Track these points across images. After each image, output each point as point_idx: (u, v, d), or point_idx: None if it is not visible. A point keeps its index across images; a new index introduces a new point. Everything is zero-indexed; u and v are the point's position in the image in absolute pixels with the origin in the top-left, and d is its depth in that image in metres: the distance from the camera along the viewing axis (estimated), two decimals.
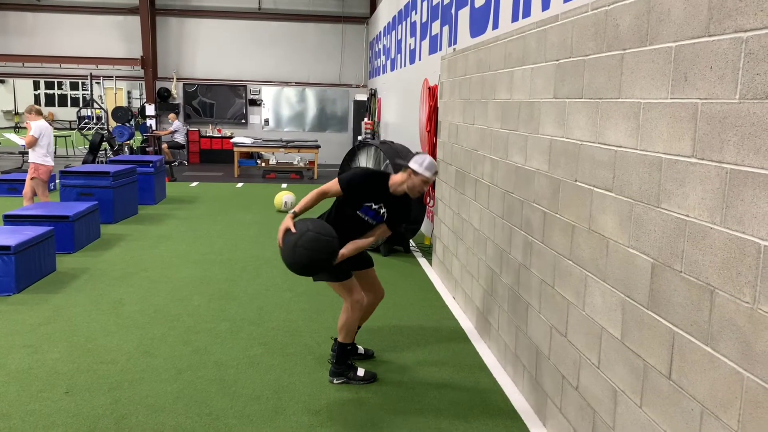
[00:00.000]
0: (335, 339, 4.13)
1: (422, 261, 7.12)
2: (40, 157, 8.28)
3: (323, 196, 3.73)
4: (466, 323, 5.10)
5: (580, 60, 3.00)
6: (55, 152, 17.10)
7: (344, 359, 3.95)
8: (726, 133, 1.96)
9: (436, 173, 3.76)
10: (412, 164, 3.73)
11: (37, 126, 8.29)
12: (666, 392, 2.27)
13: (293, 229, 3.53)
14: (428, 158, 3.73)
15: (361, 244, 3.81)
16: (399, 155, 7.31)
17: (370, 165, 7.68)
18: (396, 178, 3.83)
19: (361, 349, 4.34)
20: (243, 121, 17.77)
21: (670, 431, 2.24)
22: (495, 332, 4.40)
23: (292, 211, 3.68)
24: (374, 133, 14.97)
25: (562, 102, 3.21)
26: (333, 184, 3.76)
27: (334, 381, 3.94)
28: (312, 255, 3.48)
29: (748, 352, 1.86)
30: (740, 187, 1.90)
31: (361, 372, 3.97)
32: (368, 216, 3.84)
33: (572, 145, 3.08)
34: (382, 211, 3.85)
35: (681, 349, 2.18)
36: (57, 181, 11.91)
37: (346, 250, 3.74)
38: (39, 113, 8.46)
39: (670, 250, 2.25)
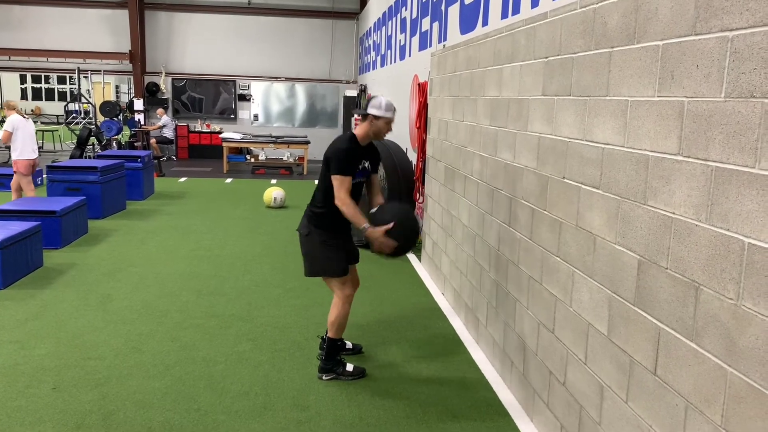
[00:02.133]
0: (322, 337, 4.15)
1: (411, 257, 7.13)
2: (16, 152, 8.19)
3: (348, 194, 3.71)
4: (455, 319, 5.12)
5: (569, 57, 3.01)
6: (41, 146, 17.01)
7: (334, 355, 3.96)
8: (711, 132, 1.98)
9: (395, 110, 3.86)
10: (372, 110, 3.81)
11: (10, 121, 8.21)
12: (651, 387, 2.30)
13: (384, 228, 3.62)
14: (384, 99, 3.83)
15: (380, 200, 4.03)
16: (389, 151, 7.32)
17: None
18: (360, 131, 3.89)
19: (349, 344, 4.34)
20: (232, 116, 17.70)
21: (655, 426, 2.27)
22: (483, 328, 4.42)
23: (365, 225, 3.65)
24: None
25: (551, 99, 3.22)
26: (343, 181, 3.70)
27: (323, 377, 3.94)
28: (415, 225, 3.75)
29: (731, 348, 1.89)
30: (725, 185, 1.92)
31: (350, 368, 3.98)
32: (360, 177, 3.92)
33: (560, 142, 3.10)
34: (366, 165, 3.94)
35: (666, 344, 2.21)
36: (44, 176, 11.82)
37: (377, 233, 3.68)
38: (11, 107, 8.37)
39: (656, 247, 2.27)
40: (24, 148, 8.23)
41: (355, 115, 3.61)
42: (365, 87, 15.72)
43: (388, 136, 10.53)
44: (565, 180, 3.04)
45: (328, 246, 3.87)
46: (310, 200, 4.00)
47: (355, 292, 4.25)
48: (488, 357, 4.32)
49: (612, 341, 2.58)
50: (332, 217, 3.81)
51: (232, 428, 3.34)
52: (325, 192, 3.85)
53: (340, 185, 3.71)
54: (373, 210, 3.84)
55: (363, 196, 4.08)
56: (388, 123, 3.85)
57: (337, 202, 3.71)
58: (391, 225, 3.61)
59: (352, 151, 3.81)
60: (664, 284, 2.22)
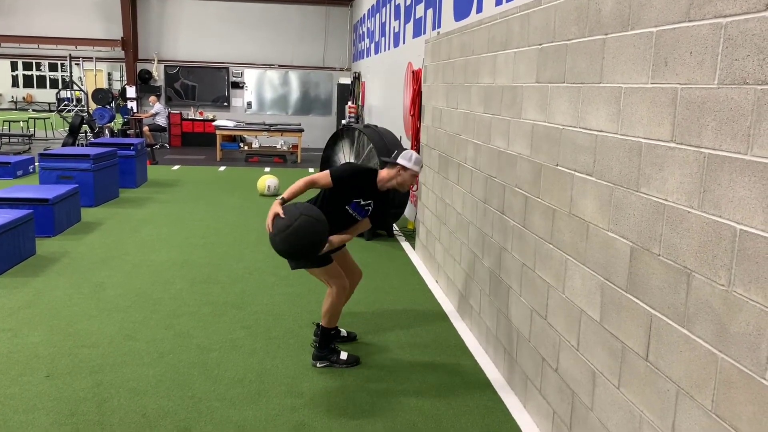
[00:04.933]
0: (318, 324, 4.15)
1: (405, 245, 7.14)
2: None
3: (312, 185, 3.71)
4: (448, 306, 5.14)
5: (563, 44, 3.01)
6: (33, 134, 16.91)
7: (328, 343, 3.97)
8: (704, 118, 1.98)
9: (422, 166, 3.89)
10: (402, 161, 3.80)
11: None
12: (643, 373, 2.31)
13: (282, 215, 3.51)
14: (415, 153, 3.83)
15: (346, 237, 3.87)
16: (383, 139, 7.30)
17: (354, 149, 7.67)
18: (384, 174, 3.86)
19: (343, 331, 4.35)
20: (225, 104, 17.61)
21: (647, 411, 2.29)
22: (476, 315, 4.44)
23: (281, 197, 3.64)
24: (358, 117, 14.92)
25: (545, 87, 3.22)
26: (324, 176, 3.74)
27: (317, 364, 3.95)
28: (304, 240, 3.46)
29: (722, 334, 1.90)
30: (717, 172, 1.92)
31: (344, 355, 3.99)
32: (355, 211, 3.89)
33: (554, 129, 3.10)
34: (368, 207, 3.91)
35: (658, 331, 2.22)
36: (36, 163, 11.76)
37: (336, 239, 3.77)
38: None
39: (649, 233, 2.28)
40: None
41: (384, 165, 3.62)
42: (359, 74, 15.66)
43: (382, 124, 10.52)
44: (559, 167, 3.04)
45: None
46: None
47: (357, 283, 4.26)
48: (481, 343, 4.34)
49: (604, 328, 2.60)
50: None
51: (226, 415, 3.35)
52: (323, 198, 3.89)
53: (320, 177, 3.74)
54: (297, 202, 3.70)
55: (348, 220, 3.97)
56: (414, 177, 3.86)
57: (301, 178, 3.71)
58: (282, 214, 3.47)
59: (362, 178, 3.81)
60: (656, 271, 2.23)
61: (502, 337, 3.90)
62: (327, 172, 3.76)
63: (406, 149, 3.92)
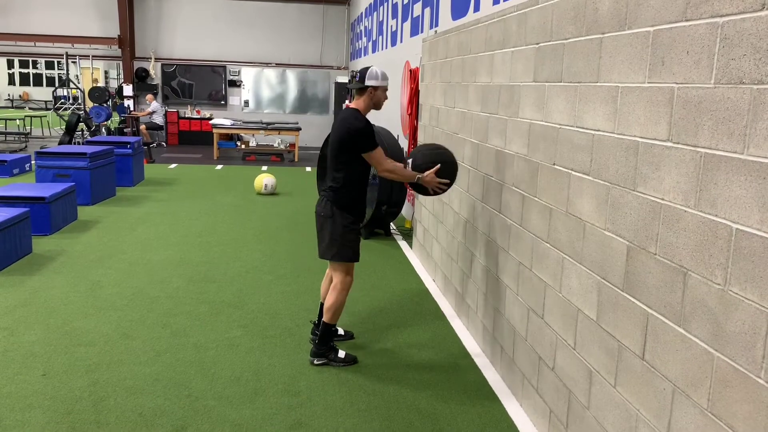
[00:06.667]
0: (314, 322, 4.15)
1: (403, 244, 7.14)
2: None
3: (393, 160, 3.91)
4: (446, 305, 5.14)
5: (560, 44, 3.01)
6: (30, 132, 16.86)
7: (328, 340, 3.96)
8: (701, 118, 1.98)
9: (387, 78, 3.98)
10: (370, 81, 3.86)
11: None
12: (639, 372, 2.32)
13: (434, 170, 3.85)
14: (376, 68, 3.90)
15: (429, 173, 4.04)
16: (381, 138, 7.29)
17: None
18: (361, 104, 3.91)
19: (341, 330, 4.35)
20: (222, 102, 17.58)
21: (643, 410, 2.29)
22: (474, 314, 4.44)
23: (418, 176, 3.88)
24: None
25: (542, 86, 3.22)
26: (380, 152, 3.80)
27: (315, 362, 3.95)
28: (448, 155, 3.97)
29: (718, 333, 1.90)
30: (714, 171, 1.93)
31: (341, 354, 3.99)
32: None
33: (551, 128, 3.10)
34: None
35: (654, 330, 2.23)
36: (33, 162, 11.73)
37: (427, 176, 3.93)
38: None
39: (646, 232, 2.28)
40: None
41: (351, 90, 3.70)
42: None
43: (379, 123, 10.51)
44: (556, 166, 3.04)
45: (351, 231, 3.87)
46: (329, 181, 3.91)
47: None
48: (478, 342, 4.34)
49: (601, 326, 2.60)
50: (356, 198, 3.86)
51: (223, 414, 3.35)
52: (347, 172, 3.82)
53: (381, 157, 3.80)
54: (409, 160, 4.01)
55: (371, 179, 4.12)
56: (385, 91, 3.95)
57: (386, 173, 3.84)
58: (438, 167, 3.86)
59: (369, 123, 3.87)
60: (652, 270, 2.24)
61: (499, 336, 3.90)
62: (372, 153, 3.76)
63: (368, 67, 3.91)
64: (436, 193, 3.96)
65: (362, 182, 3.89)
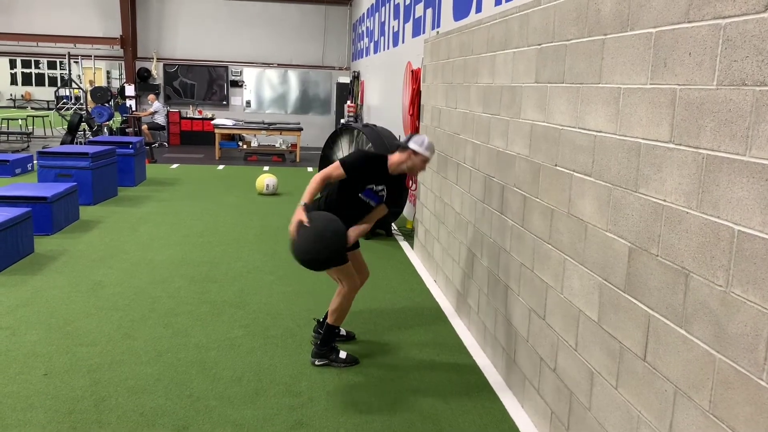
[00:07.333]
0: (318, 320, 4.15)
1: (404, 244, 7.15)
2: None
3: (326, 180, 3.73)
4: (447, 306, 5.14)
5: (562, 45, 3.01)
6: (32, 132, 16.88)
7: (330, 341, 3.97)
8: (703, 119, 1.98)
9: (434, 152, 3.84)
10: (413, 145, 3.77)
11: None
12: (641, 373, 2.32)
13: (307, 222, 3.51)
14: (427, 138, 3.81)
15: (364, 228, 3.86)
16: (382, 139, 7.30)
17: (352, 148, 7.67)
18: (394, 158, 3.84)
19: (342, 330, 4.35)
20: (224, 102, 17.60)
21: (645, 412, 2.29)
22: (475, 314, 4.44)
23: (303, 203, 3.62)
24: (357, 116, 14.91)
25: (544, 87, 3.22)
26: (335, 168, 3.72)
27: (316, 362, 3.95)
28: (332, 249, 3.50)
29: (720, 335, 1.90)
30: (716, 173, 1.92)
31: (343, 355, 3.99)
32: (369, 198, 3.88)
33: (553, 129, 3.10)
34: (382, 192, 3.89)
35: (656, 331, 2.22)
36: (35, 162, 11.74)
37: (353, 234, 3.77)
38: None
39: (647, 234, 2.28)
40: None
41: (398, 150, 3.65)
42: (358, 73, 15.65)
43: (381, 123, 10.52)
44: (557, 167, 3.04)
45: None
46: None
47: (364, 282, 4.24)
48: (479, 343, 4.34)
49: (602, 328, 2.60)
50: (338, 207, 3.82)
51: (224, 414, 3.35)
52: (338, 189, 3.85)
53: (332, 170, 3.73)
54: (321, 198, 3.87)
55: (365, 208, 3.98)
56: (425, 162, 3.82)
57: (314, 177, 3.72)
58: (307, 223, 3.52)
59: (374, 163, 3.80)
60: (654, 271, 2.24)
61: (500, 337, 3.90)
62: (338, 163, 3.73)
63: (418, 134, 3.90)
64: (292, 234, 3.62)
65: (347, 203, 3.84)
